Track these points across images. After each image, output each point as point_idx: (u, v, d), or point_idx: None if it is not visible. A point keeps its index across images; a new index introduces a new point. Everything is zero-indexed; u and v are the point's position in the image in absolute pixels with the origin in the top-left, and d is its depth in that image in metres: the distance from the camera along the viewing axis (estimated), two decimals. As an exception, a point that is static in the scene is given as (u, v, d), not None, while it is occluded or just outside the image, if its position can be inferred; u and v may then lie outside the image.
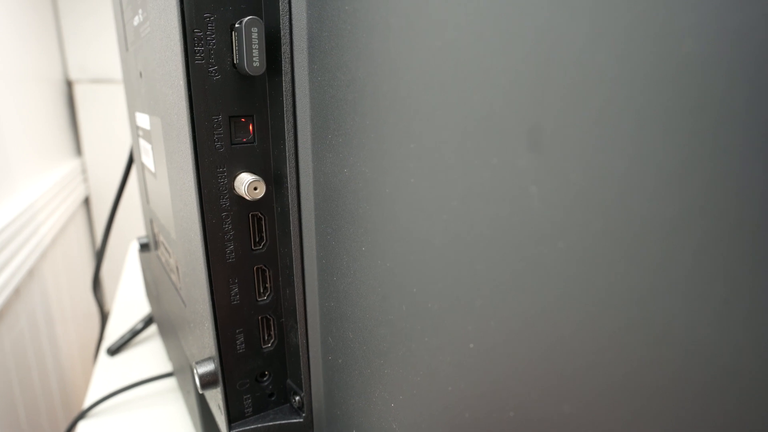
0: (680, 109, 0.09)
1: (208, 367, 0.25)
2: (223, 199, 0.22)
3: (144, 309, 0.67)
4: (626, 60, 0.09)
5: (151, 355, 0.57)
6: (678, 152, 0.09)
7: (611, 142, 0.10)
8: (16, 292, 0.77)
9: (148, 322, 0.60)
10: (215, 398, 0.27)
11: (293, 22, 0.20)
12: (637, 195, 0.10)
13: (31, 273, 0.84)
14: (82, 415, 0.48)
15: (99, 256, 0.61)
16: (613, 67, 0.09)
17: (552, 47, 0.10)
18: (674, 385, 0.10)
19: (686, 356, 0.09)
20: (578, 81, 0.10)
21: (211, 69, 0.21)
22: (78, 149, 1.39)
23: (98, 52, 1.33)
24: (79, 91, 1.33)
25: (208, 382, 0.24)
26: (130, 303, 0.70)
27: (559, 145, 0.11)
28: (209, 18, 0.20)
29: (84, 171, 1.38)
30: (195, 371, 0.24)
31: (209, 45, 0.20)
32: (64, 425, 0.94)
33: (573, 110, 0.10)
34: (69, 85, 1.34)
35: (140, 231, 1.40)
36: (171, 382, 0.52)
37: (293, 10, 0.20)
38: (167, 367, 0.54)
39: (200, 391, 0.25)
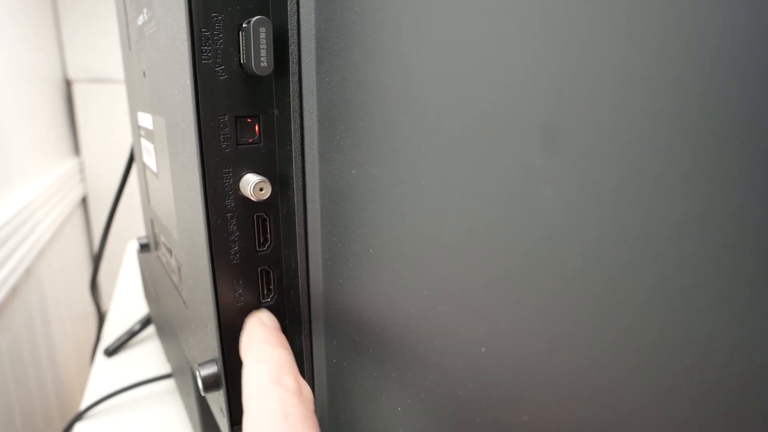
0: (700, 109, 0.09)
1: (211, 369, 0.24)
2: (228, 199, 0.22)
3: (141, 309, 0.67)
4: (650, 57, 0.09)
5: (148, 356, 0.57)
6: (700, 152, 0.09)
7: (631, 141, 0.10)
8: (14, 291, 0.76)
9: (145, 323, 0.60)
10: (217, 401, 0.26)
11: (301, 22, 0.20)
12: (658, 195, 0.09)
13: (28, 272, 0.84)
14: (80, 416, 0.47)
15: (97, 258, 0.60)
16: (635, 63, 0.09)
17: (568, 44, 0.10)
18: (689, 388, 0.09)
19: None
20: (597, 77, 0.10)
21: (218, 69, 0.20)
22: (76, 148, 1.39)
23: (97, 52, 1.32)
24: (78, 91, 1.33)
25: (210, 384, 0.24)
26: (127, 304, 0.69)
27: (575, 145, 0.11)
28: (217, 17, 0.20)
29: (82, 170, 1.38)
30: (197, 374, 0.24)
31: (216, 45, 0.20)
32: (60, 425, 0.93)
33: (590, 108, 0.10)
34: (68, 84, 1.34)
35: (137, 231, 1.40)
36: (169, 383, 0.51)
37: (301, 10, 0.20)
38: (165, 369, 0.53)
39: (202, 394, 0.25)
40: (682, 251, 0.09)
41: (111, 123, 1.36)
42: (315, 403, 0.24)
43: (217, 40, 0.20)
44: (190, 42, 0.20)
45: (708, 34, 0.08)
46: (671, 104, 0.09)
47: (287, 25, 0.20)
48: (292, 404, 0.19)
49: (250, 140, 0.22)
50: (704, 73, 0.08)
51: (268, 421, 0.18)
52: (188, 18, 0.19)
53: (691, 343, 0.09)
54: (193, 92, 0.20)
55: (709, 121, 0.08)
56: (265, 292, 0.25)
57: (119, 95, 1.36)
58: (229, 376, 0.24)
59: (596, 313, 0.11)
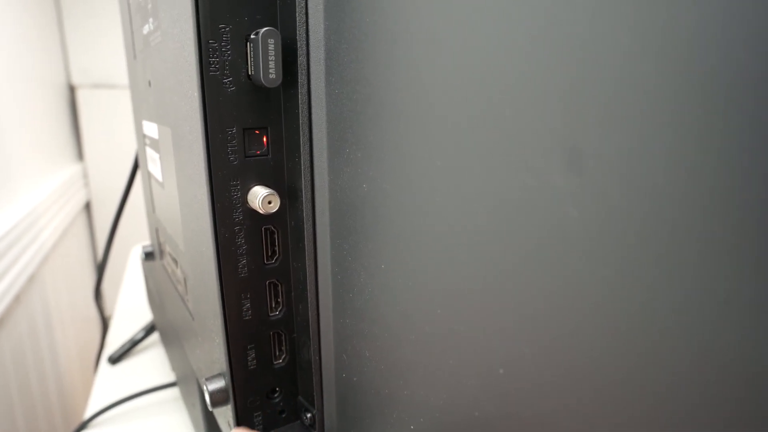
0: (731, 129, 0.08)
1: (219, 384, 0.24)
2: (236, 212, 0.22)
3: (145, 316, 0.66)
4: (678, 76, 0.09)
5: (152, 363, 0.56)
6: (727, 169, 0.08)
7: (658, 163, 0.09)
8: (17, 299, 0.76)
9: (149, 330, 0.60)
10: (225, 415, 0.26)
11: (310, 33, 0.20)
12: (683, 216, 0.09)
13: (31, 279, 0.83)
14: (84, 425, 0.47)
15: (101, 267, 0.60)
16: (663, 83, 0.09)
17: (593, 63, 0.10)
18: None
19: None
20: (623, 97, 0.10)
21: (226, 81, 0.20)
22: (79, 154, 1.39)
23: (101, 57, 1.33)
24: (82, 96, 1.33)
25: (218, 399, 0.24)
26: (131, 310, 0.69)
27: (601, 165, 0.10)
28: (224, 29, 0.20)
29: (85, 176, 1.38)
30: (205, 388, 0.24)
31: (224, 56, 0.20)
32: (64, 433, 0.93)
33: (616, 128, 0.10)
34: (71, 89, 1.34)
35: (140, 237, 1.40)
36: (174, 391, 0.51)
37: (310, 21, 0.20)
38: (170, 377, 0.53)
39: (210, 409, 0.24)
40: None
41: (114, 128, 1.36)
42: (324, 421, 0.24)
43: (224, 51, 0.20)
44: (197, 53, 0.19)
45: (745, 50, 0.08)
46: (695, 123, 0.09)
47: (296, 36, 0.20)
48: None
49: (258, 152, 0.22)
50: (734, 93, 0.08)
51: None
52: (196, 29, 0.19)
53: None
54: (201, 104, 0.20)
55: (718, 134, 0.08)
56: (274, 305, 0.24)
57: (122, 100, 1.36)
58: (237, 391, 0.24)
59: (623, 337, 0.11)
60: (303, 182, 0.22)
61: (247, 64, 0.20)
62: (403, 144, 0.16)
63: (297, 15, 0.20)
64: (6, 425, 0.69)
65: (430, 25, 0.14)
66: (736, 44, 0.08)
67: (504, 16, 0.12)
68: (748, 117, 0.08)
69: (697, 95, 0.09)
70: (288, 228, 0.23)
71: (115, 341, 0.61)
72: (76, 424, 0.71)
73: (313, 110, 0.21)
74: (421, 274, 0.16)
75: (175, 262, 0.34)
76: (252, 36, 0.20)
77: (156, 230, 0.41)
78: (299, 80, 0.21)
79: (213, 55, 0.20)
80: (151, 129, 0.34)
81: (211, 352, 0.26)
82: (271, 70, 0.20)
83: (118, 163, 1.36)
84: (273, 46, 0.20)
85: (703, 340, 0.09)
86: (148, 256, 0.45)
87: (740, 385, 0.09)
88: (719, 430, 0.09)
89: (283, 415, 0.26)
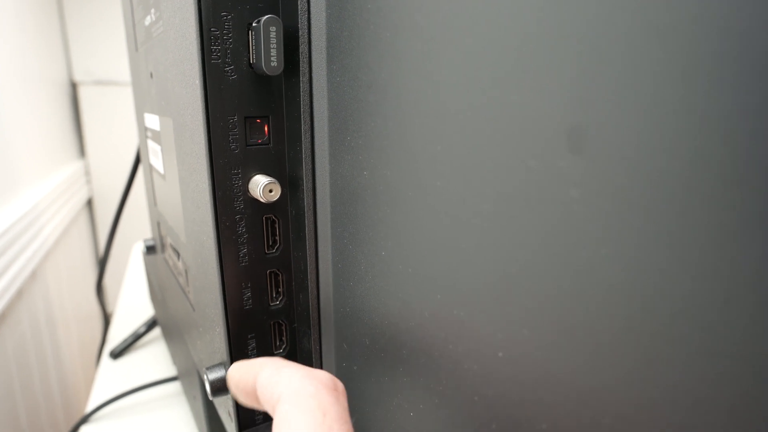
0: (737, 112, 0.08)
1: (219, 373, 0.24)
2: (237, 201, 0.22)
3: (147, 311, 0.66)
4: (683, 55, 0.09)
5: (154, 358, 0.57)
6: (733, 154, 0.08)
7: (663, 144, 0.09)
8: (19, 294, 0.76)
9: (151, 325, 0.60)
10: (225, 405, 0.26)
11: (312, 21, 0.20)
12: (689, 199, 0.09)
13: (33, 274, 0.84)
14: (85, 419, 0.47)
15: (103, 261, 0.60)
16: (668, 61, 0.09)
17: (597, 41, 0.10)
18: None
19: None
20: (627, 76, 0.10)
21: (228, 68, 0.20)
22: (81, 151, 1.39)
23: (103, 54, 1.33)
24: (84, 93, 1.33)
25: (218, 388, 0.24)
26: (132, 305, 0.69)
27: (604, 147, 0.10)
28: (226, 17, 0.20)
29: (87, 173, 1.38)
30: (206, 377, 0.24)
31: (226, 44, 0.20)
32: (65, 428, 0.93)
33: (620, 108, 0.10)
34: (73, 86, 1.34)
35: (143, 233, 1.40)
36: (175, 386, 0.51)
37: (312, 8, 0.20)
38: (171, 371, 0.53)
39: (210, 398, 0.24)
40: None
41: (116, 125, 1.36)
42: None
43: (226, 39, 0.20)
44: (199, 41, 0.19)
45: (755, 30, 0.08)
46: (699, 108, 0.09)
47: (297, 24, 0.20)
48: (330, 402, 0.17)
49: (260, 141, 0.22)
50: (738, 76, 0.08)
51: (303, 421, 0.17)
52: (197, 17, 0.19)
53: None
54: (202, 92, 0.20)
55: (725, 125, 0.08)
56: (274, 295, 0.24)
57: (124, 97, 1.36)
58: (238, 379, 0.24)
59: (623, 320, 0.11)
60: (304, 171, 0.22)
61: (249, 52, 0.20)
62: (405, 130, 0.16)
63: (299, 2, 0.20)
64: (8, 419, 0.69)
65: (432, 11, 0.14)
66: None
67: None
68: (754, 107, 0.08)
69: (701, 79, 0.09)
70: (289, 217, 0.23)
71: (116, 336, 0.61)
72: (77, 418, 0.71)
73: (315, 98, 0.21)
74: (421, 260, 0.16)
75: (177, 254, 0.34)
76: (254, 24, 0.20)
77: (158, 223, 0.41)
78: (301, 68, 0.21)
79: (215, 43, 0.20)
80: (152, 121, 0.34)
81: (212, 342, 0.26)
82: (272, 58, 0.20)
83: (120, 159, 1.37)
84: (275, 34, 0.20)
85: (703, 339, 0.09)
86: (150, 249, 0.45)
87: (741, 385, 0.09)
88: (718, 430, 0.09)
89: (284, 405, 0.26)
